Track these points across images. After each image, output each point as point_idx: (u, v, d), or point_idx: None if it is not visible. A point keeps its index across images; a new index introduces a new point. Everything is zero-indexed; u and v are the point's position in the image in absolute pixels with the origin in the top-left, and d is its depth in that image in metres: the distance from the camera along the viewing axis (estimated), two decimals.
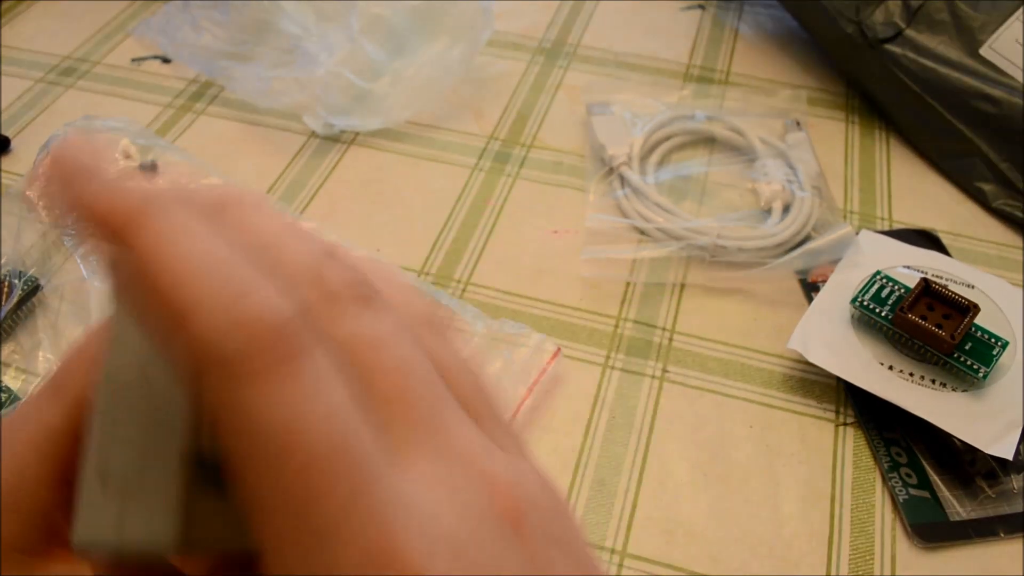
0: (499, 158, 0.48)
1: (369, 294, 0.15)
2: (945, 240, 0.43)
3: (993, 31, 0.46)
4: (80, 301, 0.39)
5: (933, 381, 0.35)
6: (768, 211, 0.44)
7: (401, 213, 0.44)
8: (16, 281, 0.38)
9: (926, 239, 0.43)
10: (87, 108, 0.50)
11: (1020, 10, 0.45)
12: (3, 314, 0.37)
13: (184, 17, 0.53)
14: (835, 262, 0.40)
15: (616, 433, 0.35)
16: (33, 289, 0.38)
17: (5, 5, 0.58)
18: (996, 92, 0.45)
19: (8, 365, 0.37)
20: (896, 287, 0.37)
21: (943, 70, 0.46)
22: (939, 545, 0.32)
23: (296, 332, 0.12)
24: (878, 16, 0.48)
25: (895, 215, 0.45)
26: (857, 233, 0.42)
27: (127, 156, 0.45)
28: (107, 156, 0.15)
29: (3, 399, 0.35)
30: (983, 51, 0.46)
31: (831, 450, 0.35)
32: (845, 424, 0.36)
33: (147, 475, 0.14)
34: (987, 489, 0.33)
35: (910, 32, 0.47)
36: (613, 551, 0.32)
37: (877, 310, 0.36)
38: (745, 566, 0.31)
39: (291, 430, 0.12)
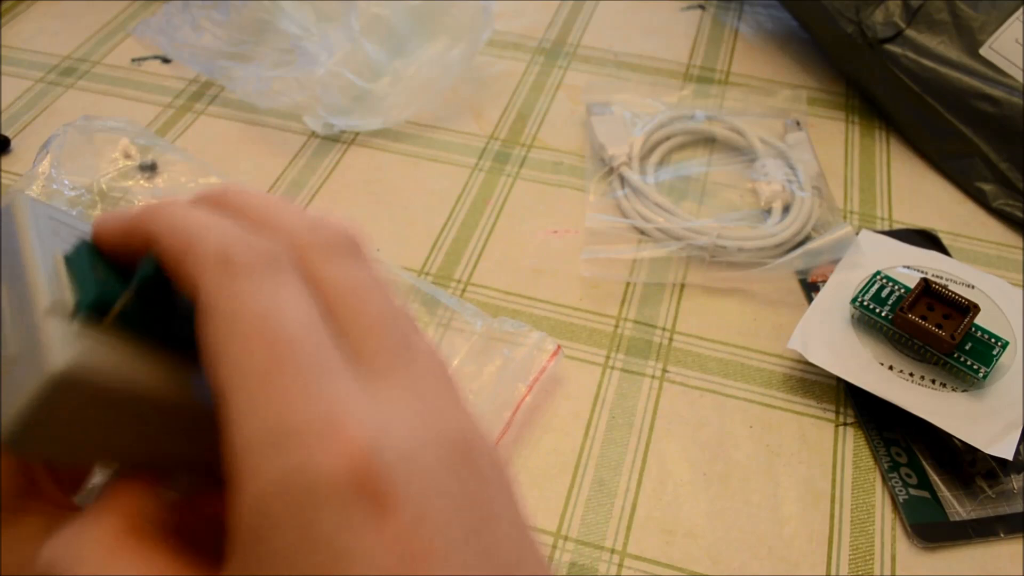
0: (499, 158, 0.48)
1: (352, 249, 0.19)
2: (945, 240, 0.43)
3: (993, 31, 0.46)
4: None
5: (933, 381, 0.35)
6: (768, 211, 0.44)
7: (401, 213, 0.44)
8: None
9: (926, 239, 0.43)
10: (87, 108, 0.50)
11: (1020, 10, 0.45)
12: None
13: (184, 17, 0.53)
14: (835, 262, 0.40)
15: (616, 433, 0.35)
16: None
17: (5, 5, 0.58)
18: (996, 92, 0.45)
19: None
20: (896, 287, 0.37)
21: (943, 70, 0.46)
22: (939, 545, 0.32)
23: (278, 257, 0.17)
24: (878, 16, 0.48)
25: (895, 215, 0.45)
26: (857, 233, 0.42)
27: (127, 156, 0.45)
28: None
29: None
30: (983, 51, 0.46)
31: (831, 450, 0.35)
32: (845, 424, 0.36)
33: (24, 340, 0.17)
34: (987, 489, 0.33)
35: (910, 32, 0.47)
36: (613, 551, 0.32)
37: (877, 310, 0.36)
38: (745, 566, 0.31)
39: (267, 315, 0.16)
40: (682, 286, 0.41)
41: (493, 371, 0.36)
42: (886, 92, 0.49)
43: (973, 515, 0.33)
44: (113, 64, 0.54)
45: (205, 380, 0.17)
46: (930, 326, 0.35)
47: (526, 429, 0.35)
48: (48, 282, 0.17)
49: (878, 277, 0.38)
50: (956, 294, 0.36)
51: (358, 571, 0.15)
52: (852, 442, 0.35)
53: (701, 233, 0.41)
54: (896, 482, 0.34)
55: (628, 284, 0.41)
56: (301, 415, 0.15)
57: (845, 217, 0.45)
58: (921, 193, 0.46)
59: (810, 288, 0.41)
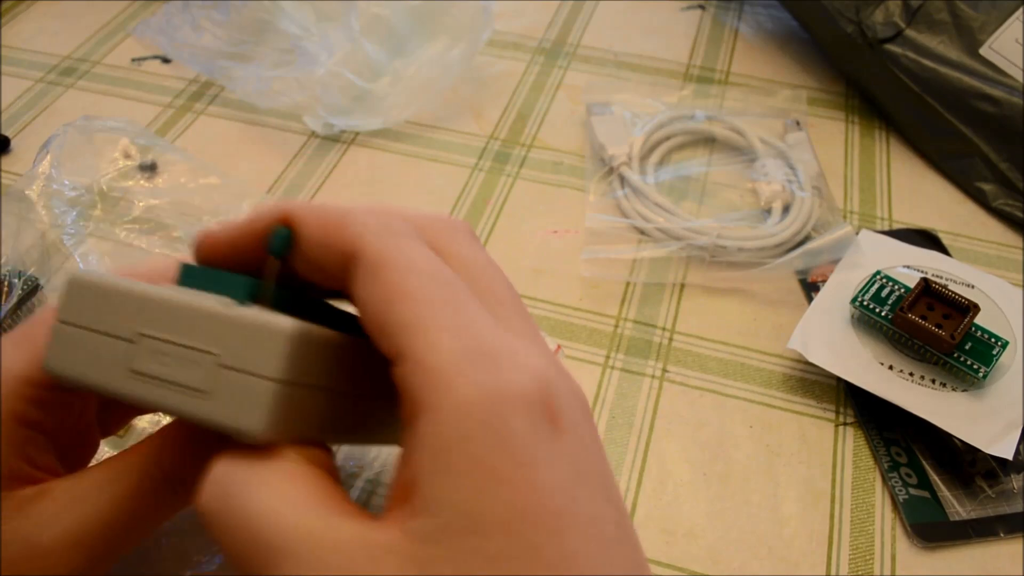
0: (499, 158, 0.48)
1: (470, 234, 0.22)
2: (945, 240, 0.43)
3: (993, 31, 0.46)
4: None
5: (933, 381, 0.35)
6: (768, 211, 0.44)
7: None
8: (16, 281, 0.38)
9: (926, 239, 0.43)
10: (87, 108, 0.50)
11: (1020, 10, 0.45)
12: (3, 314, 0.37)
13: (184, 17, 0.53)
14: (835, 262, 0.40)
15: (616, 433, 0.35)
16: (33, 289, 0.38)
17: (5, 5, 0.58)
18: (996, 92, 0.45)
19: None
20: (896, 287, 0.37)
21: (943, 70, 0.46)
22: (939, 545, 0.32)
23: (417, 232, 0.20)
24: (878, 16, 0.48)
25: (895, 215, 0.45)
26: (857, 233, 0.42)
27: (127, 156, 0.45)
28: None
29: None
30: (983, 51, 0.46)
31: (831, 450, 0.35)
32: (845, 424, 0.36)
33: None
34: (987, 489, 0.33)
35: (910, 32, 0.47)
36: None
37: (877, 310, 0.36)
38: (745, 566, 0.31)
39: (434, 265, 0.19)
40: (682, 286, 0.41)
41: None
42: (886, 92, 0.49)
43: (973, 515, 0.33)
44: (113, 64, 0.54)
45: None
46: (930, 326, 0.35)
47: None
48: (196, 296, 0.19)
49: (878, 277, 0.38)
50: (956, 294, 0.36)
51: (544, 475, 0.17)
52: (852, 442, 0.35)
53: (701, 233, 0.41)
54: (896, 482, 0.34)
55: (628, 284, 0.41)
56: (491, 341, 0.18)
57: (845, 217, 0.45)
58: (921, 193, 0.46)
59: (810, 288, 0.41)
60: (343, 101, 0.48)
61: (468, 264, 0.20)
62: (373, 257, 0.19)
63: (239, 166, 0.47)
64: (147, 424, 0.34)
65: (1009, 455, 0.32)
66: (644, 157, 0.46)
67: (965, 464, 0.34)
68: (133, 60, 0.54)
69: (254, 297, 0.20)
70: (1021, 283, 0.41)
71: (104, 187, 0.43)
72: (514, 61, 0.55)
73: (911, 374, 0.35)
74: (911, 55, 0.47)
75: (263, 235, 0.21)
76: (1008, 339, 0.35)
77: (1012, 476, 0.34)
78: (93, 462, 0.26)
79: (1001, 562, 0.32)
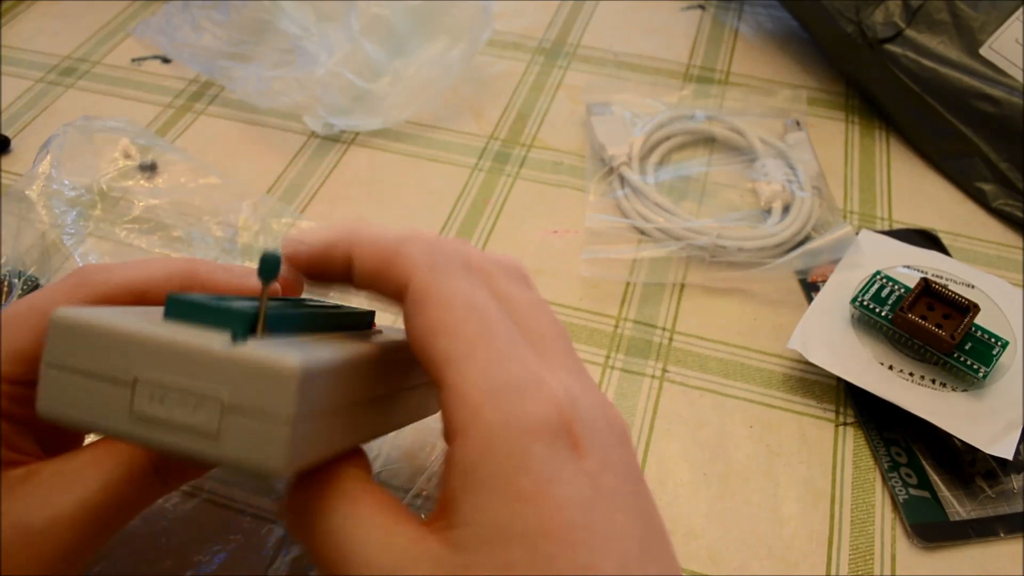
0: (499, 158, 0.48)
1: (524, 277, 0.24)
2: (945, 240, 0.43)
3: (993, 31, 0.46)
4: None
5: (933, 381, 0.35)
6: (768, 211, 0.44)
7: (401, 213, 0.44)
8: (16, 281, 0.38)
9: (926, 239, 0.43)
10: (87, 108, 0.50)
11: (1020, 10, 0.45)
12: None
13: (184, 17, 0.53)
14: (835, 262, 0.40)
15: None
16: (33, 288, 0.38)
17: (5, 5, 0.58)
18: (996, 92, 0.45)
19: None
20: (896, 287, 0.37)
21: (943, 70, 0.46)
22: (939, 545, 0.32)
23: (469, 267, 0.22)
24: (878, 16, 0.48)
25: (895, 215, 0.45)
26: (857, 233, 0.42)
27: (127, 156, 0.45)
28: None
29: None
30: (983, 51, 0.46)
31: (831, 450, 0.35)
32: (845, 424, 0.36)
33: None
34: (987, 489, 0.33)
35: (910, 32, 0.47)
36: None
37: (877, 310, 0.36)
38: (745, 566, 0.31)
39: (473, 301, 0.21)
40: (682, 286, 0.41)
41: None
42: (886, 92, 0.49)
43: (973, 515, 0.33)
44: (113, 64, 0.54)
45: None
46: (930, 326, 0.35)
47: None
48: (190, 333, 0.19)
49: (878, 277, 0.38)
50: (956, 294, 0.36)
51: (561, 492, 0.19)
52: (852, 442, 0.35)
53: (701, 233, 0.41)
54: (896, 482, 0.34)
55: (628, 284, 0.41)
56: (516, 374, 0.20)
57: (845, 217, 0.45)
58: (921, 193, 0.46)
59: (810, 288, 0.41)
60: (343, 101, 0.48)
61: (515, 301, 0.22)
62: (419, 291, 0.21)
63: (239, 166, 0.47)
64: None
65: (1009, 455, 0.32)
66: (644, 157, 0.46)
67: (965, 464, 0.34)
68: (133, 60, 0.54)
69: (251, 327, 0.20)
70: (1021, 283, 0.41)
71: (104, 187, 0.43)
72: (514, 61, 0.55)
73: (911, 374, 0.35)
74: (911, 55, 0.47)
75: (340, 260, 0.23)
76: (1008, 339, 0.35)
77: (1012, 476, 0.34)
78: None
79: (1001, 562, 0.32)
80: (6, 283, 0.38)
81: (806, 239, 0.42)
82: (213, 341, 0.19)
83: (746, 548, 0.32)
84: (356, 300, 0.26)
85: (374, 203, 0.45)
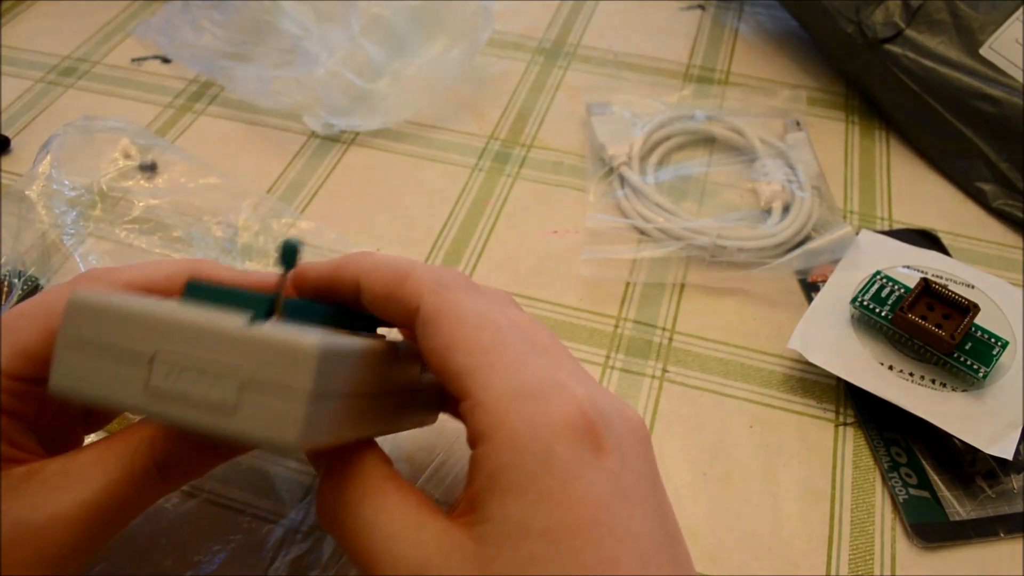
0: (499, 158, 0.48)
1: (513, 302, 0.25)
2: (945, 240, 0.43)
3: (993, 31, 0.46)
4: None
5: (933, 381, 0.35)
6: (768, 211, 0.44)
7: (401, 213, 0.44)
8: (16, 281, 0.38)
9: (926, 239, 0.43)
10: (87, 108, 0.50)
11: (1020, 10, 0.45)
12: (3, 313, 0.37)
13: (184, 17, 0.53)
14: (835, 262, 0.40)
15: None
16: (33, 289, 0.38)
17: (5, 5, 0.58)
18: (996, 92, 0.45)
19: None
20: (896, 287, 0.37)
21: (943, 70, 0.46)
22: (939, 545, 0.32)
23: (473, 285, 0.24)
24: (878, 16, 0.48)
25: (895, 215, 0.45)
26: (857, 233, 0.42)
27: (127, 156, 0.45)
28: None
29: None
30: (983, 51, 0.46)
31: (831, 450, 0.35)
32: (845, 424, 0.36)
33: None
34: (987, 489, 0.33)
35: (910, 32, 0.47)
36: None
37: (877, 310, 0.36)
38: (745, 566, 0.31)
39: (484, 313, 0.22)
40: (682, 286, 0.41)
41: None
42: (886, 92, 0.49)
43: (973, 515, 0.33)
44: (113, 64, 0.54)
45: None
46: (930, 326, 0.35)
47: None
48: (211, 314, 0.20)
49: (878, 277, 0.38)
50: (956, 294, 0.36)
51: (583, 491, 0.19)
52: (852, 442, 0.35)
53: (701, 233, 0.41)
54: (896, 482, 0.34)
55: (628, 284, 0.41)
56: (535, 379, 0.21)
57: (845, 217, 0.45)
58: (921, 193, 0.46)
59: (810, 288, 0.41)
60: (343, 101, 0.48)
61: (515, 318, 0.23)
62: (431, 310, 0.22)
63: (239, 166, 0.47)
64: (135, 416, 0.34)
65: (1009, 455, 0.32)
66: (644, 157, 0.46)
67: (965, 464, 0.34)
68: (133, 60, 0.54)
69: (269, 312, 0.21)
70: (1021, 283, 0.41)
71: (104, 187, 0.43)
72: (514, 61, 0.55)
73: (911, 374, 0.35)
74: (911, 55, 0.47)
75: (347, 284, 0.24)
76: (1008, 339, 0.35)
77: (1012, 476, 0.34)
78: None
79: (1001, 562, 0.32)
80: (6, 283, 0.38)
81: (806, 239, 0.42)
82: (232, 321, 0.19)
83: (746, 548, 0.32)
84: None
85: (374, 203, 0.45)
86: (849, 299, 0.37)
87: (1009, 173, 0.45)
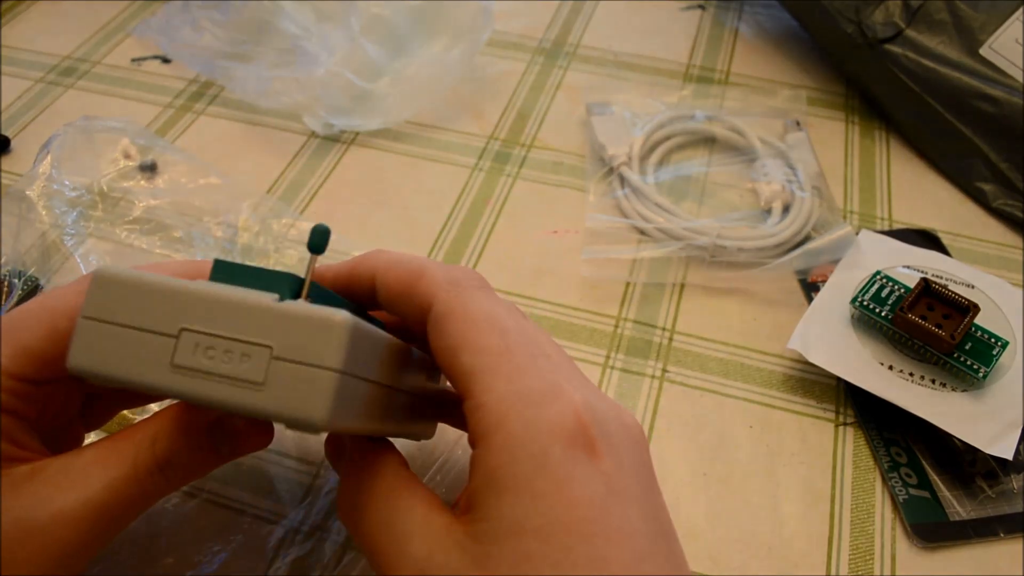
0: (499, 158, 0.48)
1: (520, 311, 0.25)
2: (945, 240, 0.43)
3: (993, 31, 0.46)
4: None
5: (933, 381, 0.35)
6: (768, 211, 0.44)
7: (401, 213, 0.44)
8: (16, 281, 0.38)
9: (926, 239, 0.43)
10: (87, 108, 0.50)
11: (1020, 10, 0.45)
12: (3, 313, 0.37)
13: (184, 17, 0.53)
14: (835, 262, 0.40)
15: None
16: (33, 289, 0.38)
17: (5, 5, 0.58)
18: (996, 92, 0.45)
19: None
20: (896, 287, 0.37)
21: (943, 70, 0.46)
22: (939, 545, 0.32)
23: (484, 282, 0.25)
24: (878, 16, 0.48)
25: (895, 215, 0.45)
26: (857, 233, 0.42)
27: (127, 156, 0.45)
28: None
29: None
30: (983, 51, 0.46)
31: (831, 450, 0.35)
32: (845, 424, 0.36)
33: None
34: (987, 489, 0.33)
35: (910, 32, 0.47)
36: None
37: (877, 310, 0.36)
38: (745, 566, 0.31)
39: (491, 314, 0.23)
40: (682, 286, 0.41)
41: None
42: (886, 92, 0.49)
43: (973, 515, 0.33)
44: (113, 64, 0.54)
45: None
46: (930, 326, 0.35)
47: None
48: (239, 291, 0.20)
49: (878, 277, 0.38)
50: (956, 294, 0.36)
51: (577, 491, 0.20)
52: (852, 442, 0.35)
53: (701, 233, 0.41)
54: (896, 482, 0.34)
55: (628, 284, 0.41)
56: (536, 384, 0.21)
57: (845, 217, 0.45)
58: (921, 193, 0.46)
59: (810, 288, 0.41)
60: (343, 101, 0.48)
61: (522, 324, 0.24)
62: (442, 309, 0.23)
63: (239, 166, 0.47)
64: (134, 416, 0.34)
65: (1009, 455, 0.32)
66: (644, 157, 0.46)
67: (965, 464, 0.34)
68: (133, 60, 0.54)
69: (296, 293, 0.21)
70: (1021, 283, 0.41)
71: (104, 187, 0.43)
72: (514, 61, 0.55)
73: (911, 374, 0.35)
74: (911, 55, 0.47)
75: (364, 282, 0.25)
76: (1008, 339, 0.35)
77: (1012, 476, 0.34)
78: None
79: (1001, 562, 0.32)
80: (6, 283, 0.38)
81: (806, 239, 0.42)
82: (262, 298, 0.19)
83: (746, 548, 0.32)
84: None
85: (374, 203, 0.45)
86: (849, 299, 0.37)
87: (1009, 173, 0.45)
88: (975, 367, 0.34)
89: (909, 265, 0.40)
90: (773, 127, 0.48)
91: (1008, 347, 0.35)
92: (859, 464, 0.35)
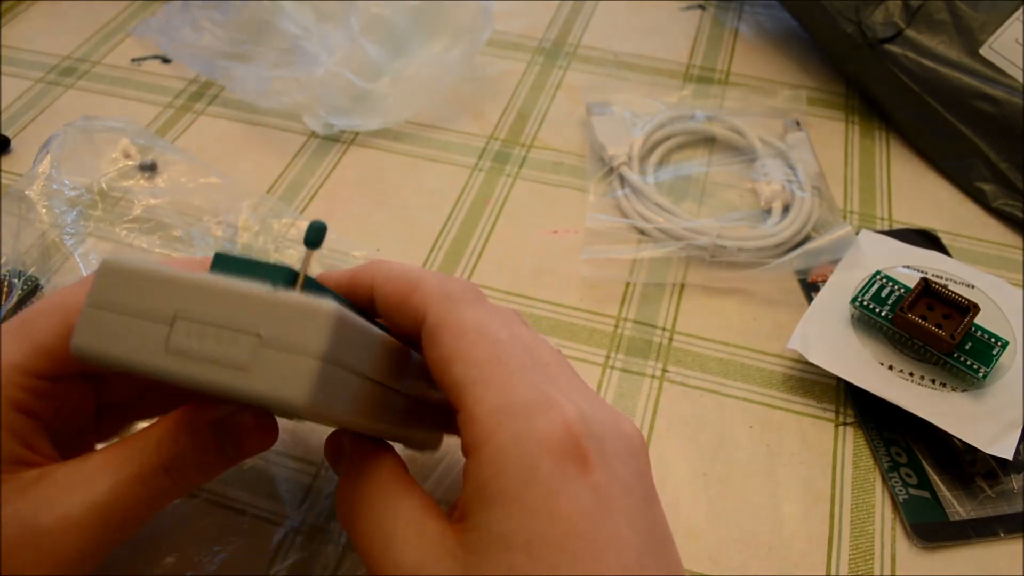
0: (499, 158, 0.48)
1: (520, 319, 0.26)
2: (945, 240, 0.43)
3: (993, 31, 0.46)
4: None
5: (933, 381, 0.35)
6: (768, 211, 0.44)
7: (401, 213, 0.44)
8: (16, 281, 0.38)
9: (926, 239, 0.43)
10: (87, 108, 0.50)
11: (1020, 10, 0.45)
12: (2, 314, 0.37)
13: (184, 17, 0.53)
14: (835, 262, 0.40)
15: None
16: (33, 289, 0.38)
17: (5, 5, 0.58)
18: (996, 92, 0.45)
19: None
20: (896, 287, 0.37)
21: (943, 70, 0.46)
22: (939, 545, 0.32)
23: (478, 294, 0.24)
24: (878, 16, 0.48)
25: (895, 215, 0.45)
26: (857, 233, 0.42)
27: (127, 156, 0.45)
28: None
29: None
30: (983, 51, 0.46)
31: (831, 450, 0.35)
32: (845, 424, 0.36)
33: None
34: (987, 489, 0.33)
35: (910, 32, 0.47)
36: None
37: (877, 310, 0.36)
38: (745, 566, 0.31)
39: (483, 327, 0.22)
40: (682, 286, 0.41)
41: None
42: (886, 92, 0.49)
43: (973, 515, 0.33)
44: (113, 64, 0.54)
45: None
46: (930, 326, 0.35)
47: None
48: (234, 281, 0.20)
49: (878, 277, 0.38)
50: (956, 294, 0.36)
51: (566, 505, 0.20)
52: (852, 442, 0.35)
53: (701, 233, 0.41)
54: (896, 482, 0.34)
55: (628, 284, 0.41)
56: (526, 395, 0.21)
57: (845, 217, 0.45)
58: (921, 193, 0.46)
59: (810, 288, 0.41)
60: (343, 101, 0.48)
61: (520, 334, 0.24)
62: (435, 322, 0.23)
63: (239, 166, 0.47)
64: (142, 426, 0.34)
65: (1009, 455, 0.32)
66: (644, 157, 0.46)
67: (965, 464, 0.34)
68: (133, 60, 0.54)
69: (290, 284, 0.21)
70: (1021, 283, 0.41)
71: (104, 187, 0.43)
72: (514, 61, 0.55)
73: (911, 374, 0.35)
74: (911, 55, 0.47)
75: (363, 291, 0.25)
76: (1008, 339, 0.35)
77: (1012, 476, 0.34)
78: None
79: (1001, 562, 0.32)
80: (6, 283, 0.38)
81: (806, 239, 0.42)
82: (255, 286, 0.20)
83: (746, 548, 0.32)
84: None
85: (374, 203, 0.45)
86: (849, 299, 0.37)
87: (1009, 173, 0.45)
88: (975, 367, 0.34)
89: (909, 265, 0.40)
90: (773, 127, 0.48)
91: (1008, 347, 0.35)
92: (859, 464, 0.35)
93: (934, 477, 0.34)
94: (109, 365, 0.21)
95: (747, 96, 0.50)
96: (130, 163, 0.44)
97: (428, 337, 0.23)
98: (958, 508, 0.33)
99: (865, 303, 0.37)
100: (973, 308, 0.35)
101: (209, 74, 0.51)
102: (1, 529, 0.22)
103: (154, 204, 0.43)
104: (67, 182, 0.42)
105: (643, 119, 0.48)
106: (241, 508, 0.32)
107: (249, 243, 0.41)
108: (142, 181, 0.44)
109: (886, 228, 0.44)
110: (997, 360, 0.35)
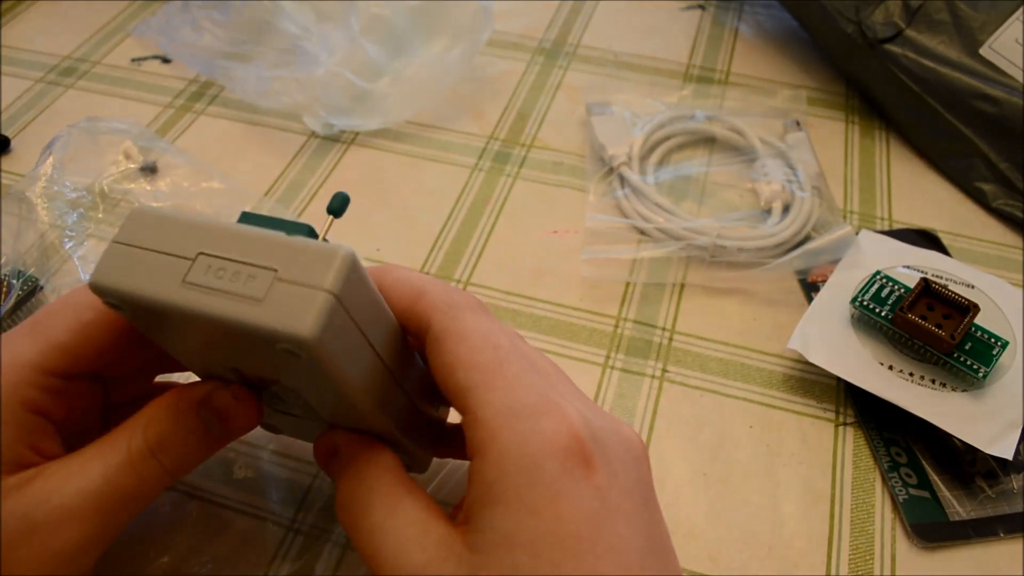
0: (499, 158, 0.48)
1: (517, 333, 0.25)
2: (945, 240, 0.43)
3: (993, 31, 0.46)
4: None
5: (933, 381, 0.35)
6: (768, 211, 0.44)
7: (401, 213, 0.44)
8: (15, 281, 0.38)
9: (926, 239, 0.43)
10: (87, 108, 0.50)
11: (1020, 10, 0.45)
12: (2, 314, 0.37)
13: (184, 17, 0.53)
14: (835, 262, 0.40)
15: None
16: (32, 289, 0.38)
17: (5, 5, 0.58)
18: (996, 92, 0.45)
19: None
20: (896, 287, 0.37)
21: (943, 70, 0.46)
22: (939, 545, 0.32)
23: (481, 304, 0.25)
24: (878, 16, 0.48)
25: (895, 215, 0.45)
26: (857, 233, 0.42)
27: (128, 157, 0.45)
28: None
29: None
30: (983, 51, 0.46)
31: (831, 450, 0.35)
32: (845, 424, 0.36)
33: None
34: (987, 489, 0.33)
35: (910, 32, 0.47)
36: None
37: (877, 310, 0.36)
38: (745, 566, 0.31)
39: (486, 333, 0.23)
40: (682, 286, 0.41)
41: None
42: (886, 92, 0.49)
43: (973, 515, 0.33)
44: (113, 64, 0.54)
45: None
46: (930, 326, 0.35)
47: None
48: (257, 228, 0.22)
49: (878, 277, 0.38)
50: (956, 294, 0.36)
51: (569, 506, 0.20)
52: (852, 442, 0.35)
53: (701, 233, 0.41)
54: (896, 482, 0.34)
55: (628, 284, 0.41)
56: (530, 399, 0.22)
57: (845, 217, 0.45)
58: (921, 193, 0.46)
59: (810, 288, 0.41)
60: (343, 101, 0.48)
61: (520, 344, 0.24)
62: (439, 329, 0.23)
63: (239, 166, 0.47)
64: None
65: (1009, 455, 0.32)
66: (644, 157, 0.46)
67: (965, 464, 0.34)
68: (133, 60, 0.54)
69: (311, 238, 0.22)
70: (1021, 283, 0.41)
71: (105, 189, 0.43)
72: (514, 61, 0.55)
73: (911, 374, 0.35)
74: (911, 55, 0.47)
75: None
76: (1008, 339, 0.35)
77: (1012, 476, 0.34)
78: None
79: (1001, 562, 0.32)
80: (5, 283, 0.38)
81: (806, 239, 0.42)
82: (276, 233, 0.21)
83: (746, 548, 0.32)
84: None
85: (374, 203, 0.45)
86: (849, 299, 0.37)
87: (1009, 173, 0.45)
88: (975, 367, 0.34)
89: (909, 265, 0.40)
90: (773, 127, 0.48)
91: (1008, 347, 0.35)
92: (859, 464, 0.35)
93: (934, 477, 0.34)
94: (124, 298, 0.21)
95: (747, 96, 0.50)
96: (131, 165, 0.44)
97: (433, 343, 0.23)
98: (958, 508, 0.33)
99: (865, 303, 0.37)
100: (973, 308, 0.35)
101: (209, 74, 0.51)
102: (1, 529, 0.22)
103: (155, 207, 0.43)
104: (68, 183, 0.42)
105: (643, 119, 0.48)
106: (241, 508, 0.32)
107: None
108: (143, 183, 0.44)
109: (886, 228, 0.44)
110: (997, 360, 0.35)
